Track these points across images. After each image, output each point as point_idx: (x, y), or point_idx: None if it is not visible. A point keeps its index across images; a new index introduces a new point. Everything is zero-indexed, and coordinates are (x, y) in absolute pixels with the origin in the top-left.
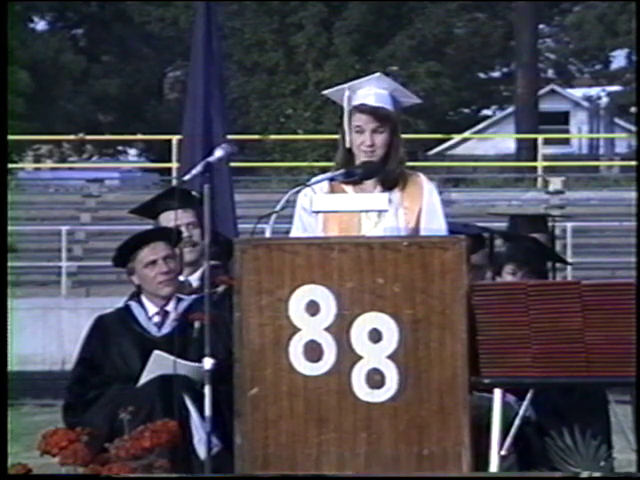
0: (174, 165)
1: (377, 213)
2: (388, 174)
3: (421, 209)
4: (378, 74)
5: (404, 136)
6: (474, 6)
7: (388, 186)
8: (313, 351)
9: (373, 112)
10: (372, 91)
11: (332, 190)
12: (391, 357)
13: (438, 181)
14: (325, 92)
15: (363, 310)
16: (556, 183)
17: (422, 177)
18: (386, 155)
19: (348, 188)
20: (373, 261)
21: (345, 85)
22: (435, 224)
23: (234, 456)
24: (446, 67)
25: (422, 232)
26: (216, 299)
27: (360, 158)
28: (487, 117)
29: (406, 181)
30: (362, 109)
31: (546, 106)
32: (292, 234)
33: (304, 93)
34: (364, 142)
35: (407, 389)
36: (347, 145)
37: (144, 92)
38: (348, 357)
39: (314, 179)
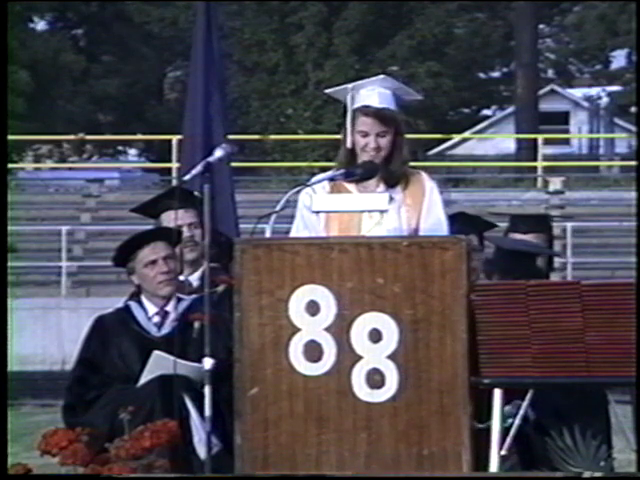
0: (174, 165)
1: (378, 212)
2: (391, 174)
3: (422, 206)
4: (383, 76)
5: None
6: (474, 6)
7: (391, 184)
8: (313, 351)
9: (378, 115)
10: (375, 91)
11: (334, 189)
12: (391, 357)
13: (438, 181)
14: (327, 91)
15: (363, 310)
16: (556, 183)
17: (423, 175)
18: (389, 155)
19: (350, 187)
20: (373, 261)
21: (349, 85)
22: (436, 222)
23: (234, 456)
24: (446, 67)
25: (422, 230)
26: (216, 299)
27: (363, 159)
28: (487, 117)
29: (408, 179)
30: (366, 112)
31: (546, 106)
32: (293, 232)
33: (304, 93)
34: (369, 144)
35: (407, 389)
36: (349, 146)
37: (144, 92)
38: (348, 357)
39: (314, 179)
